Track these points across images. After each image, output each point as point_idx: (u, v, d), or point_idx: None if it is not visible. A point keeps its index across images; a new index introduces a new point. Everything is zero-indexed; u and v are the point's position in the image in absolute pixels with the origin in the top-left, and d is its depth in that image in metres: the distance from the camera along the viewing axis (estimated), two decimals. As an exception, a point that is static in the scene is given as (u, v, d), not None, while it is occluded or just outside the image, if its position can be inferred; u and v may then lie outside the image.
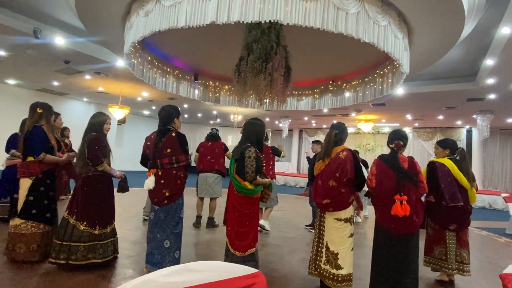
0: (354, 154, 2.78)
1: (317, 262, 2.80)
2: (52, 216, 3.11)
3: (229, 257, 2.71)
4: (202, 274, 1.03)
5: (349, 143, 14.37)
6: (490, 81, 6.11)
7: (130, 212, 5.70)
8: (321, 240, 2.81)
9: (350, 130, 14.92)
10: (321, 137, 15.38)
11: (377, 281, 2.65)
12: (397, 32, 3.46)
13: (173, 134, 2.84)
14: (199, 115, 13.69)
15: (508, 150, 12.01)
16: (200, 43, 4.96)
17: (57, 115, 3.83)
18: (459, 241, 3.18)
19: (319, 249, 2.81)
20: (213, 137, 5.12)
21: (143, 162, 3.13)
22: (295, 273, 3.37)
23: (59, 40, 5.45)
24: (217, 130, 5.38)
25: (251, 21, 2.84)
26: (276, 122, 14.05)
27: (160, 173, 2.80)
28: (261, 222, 5.07)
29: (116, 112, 9.99)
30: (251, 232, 2.72)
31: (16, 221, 2.96)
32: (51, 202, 3.11)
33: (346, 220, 2.72)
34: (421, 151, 13.32)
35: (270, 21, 2.85)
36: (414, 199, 2.58)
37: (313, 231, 5.27)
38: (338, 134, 2.87)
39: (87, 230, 2.87)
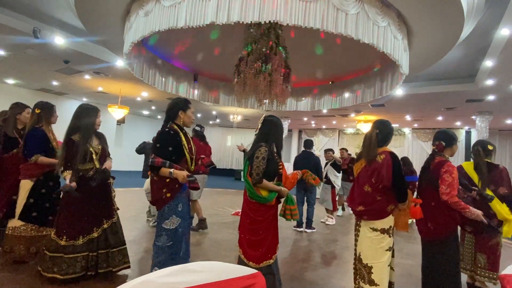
0: (395, 158, 2.36)
1: (356, 276, 2.53)
2: (54, 219, 2.96)
3: None
4: (201, 275, 1.03)
5: (349, 144, 14.38)
6: (489, 82, 6.12)
7: (129, 212, 5.70)
8: (355, 251, 2.55)
9: (349, 130, 14.92)
10: (321, 137, 15.40)
11: (423, 284, 2.63)
12: (397, 33, 3.47)
13: (158, 131, 2.50)
14: (199, 115, 13.68)
15: (507, 151, 12.04)
16: (200, 43, 4.96)
17: (26, 107, 3.30)
18: (478, 244, 3.06)
19: (355, 261, 2.55)
20: (203, 138, 4.96)
21: None
22: (294, 274, 3.37)
23: (59, 40, 5.45)
24: (203, 128, 5.21)
25: (251, 22, 2.84)
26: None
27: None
28: None
29: (116, 112, 9.98)
30: (266, 241, 2.39)
31: (15, 223, 2.89)
32: (55, 205, 2.96)
33: (383, 231, 2.37)
34: (420, 152, 13.33)
35: (269, 21, 2.85)
36: (432, 204, 2.40)
37: (299, 230, 5.33)
38: (379, 133, 2.45)
39: (54, 239, 2.60)
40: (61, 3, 4.61)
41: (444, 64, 5.66)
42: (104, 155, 2.86)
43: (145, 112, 14.27)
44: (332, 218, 6.30)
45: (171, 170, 2.32)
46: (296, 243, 4.64)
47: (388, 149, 2.45)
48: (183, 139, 2.49)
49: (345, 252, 4.35)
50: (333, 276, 3.41)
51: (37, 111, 3.01)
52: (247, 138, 16.88)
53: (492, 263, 2.95)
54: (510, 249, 5.10)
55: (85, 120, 2.72)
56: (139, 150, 5.31)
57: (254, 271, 1.15)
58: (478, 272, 3.03)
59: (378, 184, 2.35)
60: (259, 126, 2.54)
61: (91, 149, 2.72)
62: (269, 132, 2.49)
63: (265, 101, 4.57)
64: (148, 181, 2.68)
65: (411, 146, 13.57)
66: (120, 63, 6.47)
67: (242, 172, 2.56)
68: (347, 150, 7.21)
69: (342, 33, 2.99)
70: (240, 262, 2.41)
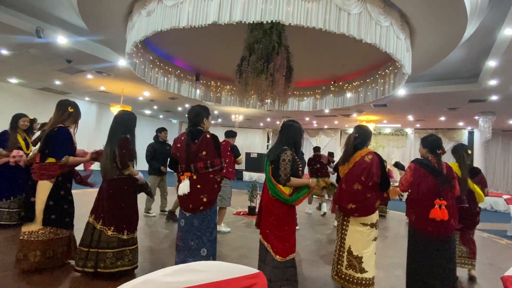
0: (381, 158, 2.68)
1: (339, 267, 2.73)
2: (70, 220, 2.98)
3: (268, 264, 2.51)
4: (203, 274, 1.03)
5: (350, 144, 14.32)
6: (492, 82, 6.09)
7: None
8: (342, 245, 2.74)
9: (351, 130, 14.88)
10: (322, 138, 15.37)
11: (414, 282, 2.69)
12: (399, 33, 3.45)
13: (208, 136, 2.65)
14: (201, 115, 13.69)
15: (510, 152, 11.96)
16: (201, 43, 4.96)
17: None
18: (462, 238, 3.45)
19: (341, 253, 2.74)
20: None
21: (172, 165, 2.82)
22: (296, 274, 3.36)
23: (61, 40, 5.46)
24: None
25: (253, 21, 2.84)
26: (277, 122, 14.04)
27: (195, 177, 2.60)
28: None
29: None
30: (292, 235, 2.58)
31: (32, 227, 2.77)
32: (70, 206, 2.98)
33: (372, 225, 2.66)
34: (422, 152, 13.29)
35: (272, 21, 2.85)
36: (451, 203, 2.62)
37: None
38: (358, 137, 2.78)
39: (115, 235, 2.73)
40: (64, 3, 4.62)
41: (447, 64, 5.64)
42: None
43: (147, 112, 14.31)
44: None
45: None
46: (297, 243, 4.63)
47: (372, 150, 2.74)
48: None
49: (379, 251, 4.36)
50: (334, 276, 3.40)
51: (70, 109, 2.94)
52: (249, 138, 16.87)
53: (473, 252, 3.45)
54: (511, 250, 5.07)
55: (133, 124, 2.96)
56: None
57: (256, 270, 1.14)
58: (461, 260, 3.43)
59: (368, 182, 2.59)
60: (280, 131, 2.72)
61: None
62: (289, 136, 2.64)
63: (267, 101, 4.56)
64: (184, 184, 2.61)
65: (413, 147, 13.51)
66: (122, 62, 6.49)
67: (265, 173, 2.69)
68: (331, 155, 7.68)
69: (345, 33, 2.98)
70: (269, 256, 2.53)
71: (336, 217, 6.30)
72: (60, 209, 2.87)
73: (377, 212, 2.70)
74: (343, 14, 2.96)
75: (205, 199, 2.57)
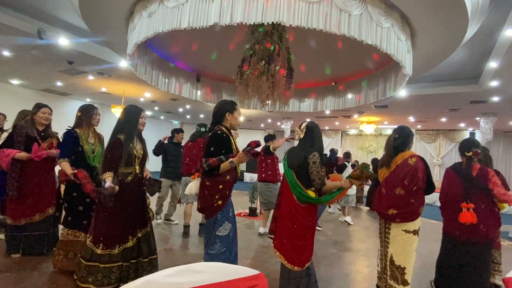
0: (425, 162, 2.53)
1: (385, 277, 2.61)
2: (88, 223, 2.77)
3: (283, 277, 2.42)
4: (204, 275, 1.04)
5: (352, 145, 14.34)
6: (494, 83, 6.08)
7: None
8: (385, 254, 2.62)
9: (352, 131, 14.87)
10: (323, 138, 15.35)
11: (441, 283, 2.73)
12: (400, 34, 3.45)
13: (210, 134, 2.48)
14: (202, 116, 13.71)
15: (511, 153, 11.93)
16: (203, 44, 4.97)
17: (42, 107, 3.27)
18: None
19: (385, 262, 2.63)
20: (194, 136, 4.70)
21: None
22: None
23: (63, 41, 5.48)
24: (203, 126, 4.74)
25: (254, 23, 2.84)
26: (278, 123, 14.05)
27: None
28: (261, 230, 4.90)
29: (119, 113, 10.02)
30: (311, 245, 2.47)
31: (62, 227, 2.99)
32: (89, 209, 2.87)
33: (415, 232, 2.51)
34: (424, 153, 13.26)
35: (273, 22, 2.85)
36: (482, 207, 2.57)
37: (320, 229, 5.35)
38: (398, 138, 2.62)
39: (90, 246, 2.49)
40: (66, 4, 4.64)
41: (448, 65, 5.63)
42: (144, 160, 2.73)
43: (148, 113, 14.32)
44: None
45: (230, 160, 2.34)
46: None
47: (415, 153, 2.58)
48: (233, 142, 2.52)
49: (346, 253, 4.34)
50: (335, 277, 3.40)
51: (78, 113, 3.02)
52: (250, 139, 16.85)
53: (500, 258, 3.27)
54: (514, 251, 5.04)
55: (128, 120, 2.64)
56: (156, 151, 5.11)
57: (257, 272, 1.15)
58: (495, 267, 3.27)
59: (413, 186, 2.44)
60: (303, 135, 2.55)
61: (134, 151, 2.58)
62: (314, 139, 2.53)
63: (268, 101, 4.57)
64: (192, 184, 2.61)
65: (415, 148, 13.47)
66: (123, 64, 6.51)
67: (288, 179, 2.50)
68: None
69: (345, 34, 2.99)
70: (283, 268, 2.43)
71: (343, 213, 6.45)
72: (75, 211, 2.88)
73: (420, 219, 2.55)
74: (344, 15, 2.96)
75: (199, 205, 2.44)
